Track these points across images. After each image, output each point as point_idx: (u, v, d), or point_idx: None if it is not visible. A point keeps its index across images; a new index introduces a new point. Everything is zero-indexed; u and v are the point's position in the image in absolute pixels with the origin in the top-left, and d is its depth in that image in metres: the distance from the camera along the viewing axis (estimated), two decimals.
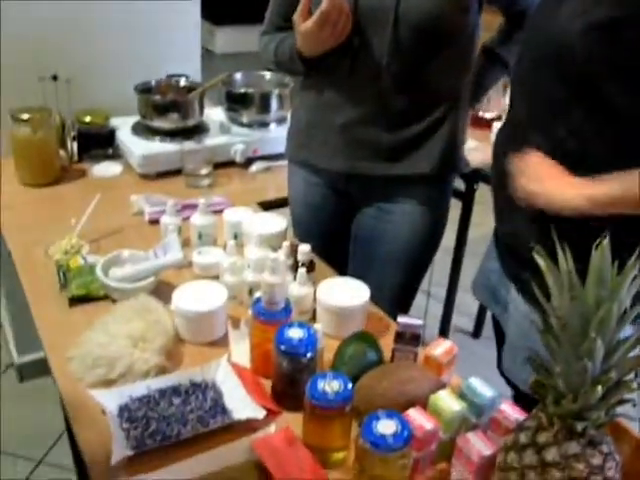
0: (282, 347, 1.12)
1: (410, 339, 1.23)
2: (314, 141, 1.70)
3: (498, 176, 1.33)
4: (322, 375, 1.05)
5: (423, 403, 1.07)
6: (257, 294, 1.35)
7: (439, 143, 1.60)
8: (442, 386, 1.12)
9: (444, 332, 2.98)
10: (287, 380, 1.15)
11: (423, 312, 2.88)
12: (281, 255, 1.41)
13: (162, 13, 2.29)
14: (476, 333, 3.13)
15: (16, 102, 1.97)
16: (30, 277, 1.55)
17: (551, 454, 0.85)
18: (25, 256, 1.63)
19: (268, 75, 2.32)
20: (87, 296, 1.44)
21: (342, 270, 1.67)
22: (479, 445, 0.97)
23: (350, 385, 1.03)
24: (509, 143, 1.31)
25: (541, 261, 0.88)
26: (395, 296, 1.74)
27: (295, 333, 1.13)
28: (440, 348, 1.19)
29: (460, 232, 2.74)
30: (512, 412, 1.04)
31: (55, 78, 2.07)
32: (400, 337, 1.23)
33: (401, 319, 1.23)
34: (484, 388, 1.08)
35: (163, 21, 2.31)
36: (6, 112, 1.93)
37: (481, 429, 1.06)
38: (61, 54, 2.15)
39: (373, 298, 1.41)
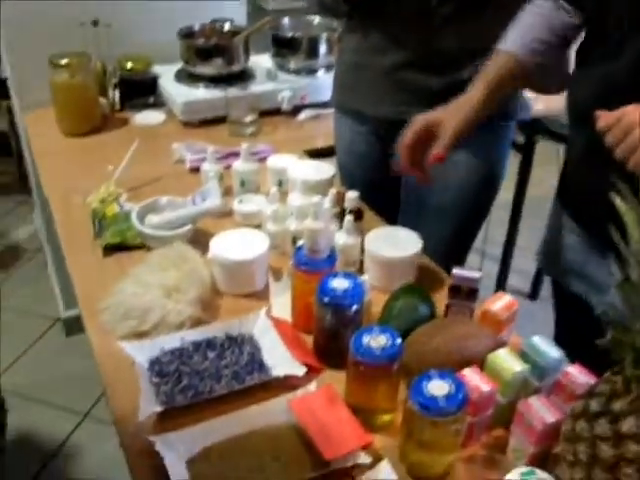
0: (325, 298, 1.02)
1: (466, 294, 1.12)
2: (360, 86, 1.59)
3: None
4: (368, 329, 0.95)
5: (480, 362, 0.96)
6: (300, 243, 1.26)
7: None
8: (501, 344, 1.01)
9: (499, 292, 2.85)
10: (330, 334, 1.06)
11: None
12: (326, 201, 1.31)
13: None
14: (533, 294, 3.00)
15: (57, 49, 1.90)
16: (66, 226, 1.49)
17: (628, 424, 0.74)
18: (63, 205, 1.57)
19: (316, 19, 2.19)
20: (122, 244, 1.37)
21: (391, 222, 1.56)
22: (542, 411, 0.86)
23: (399, 340, 0.93)
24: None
25: (618, 200, 0.76)
26: (447, 250, 1.63)
27: (339, 283, 1.03)
28: (499, 302, 1.08)
29: (519, 188, 2.59)
30: (579, 375, 0.92)
31: (95, 23, 1.99)
32: (455, 291, 1.13)
33: (457, 271, 1.12)
34: (548, 347, 0.97)
35: None
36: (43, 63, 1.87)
37: (544, 393, 0.95)
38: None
39: (425, 251, 1.31)
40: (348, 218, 1.26)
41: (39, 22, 2.02)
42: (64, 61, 1.83)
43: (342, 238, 1.27)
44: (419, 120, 1.25)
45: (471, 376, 0.91)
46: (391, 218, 1.62)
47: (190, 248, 1.28)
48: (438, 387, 0.85)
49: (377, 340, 0.92)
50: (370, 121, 1.62)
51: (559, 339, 1.48)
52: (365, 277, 1.14)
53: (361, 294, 1.03)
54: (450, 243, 1.64)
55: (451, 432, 0.85)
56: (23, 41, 2.04)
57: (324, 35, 2.11)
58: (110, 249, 1.37)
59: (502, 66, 1.24)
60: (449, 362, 0.96)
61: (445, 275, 1.32)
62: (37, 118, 2.01)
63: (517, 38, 1.23)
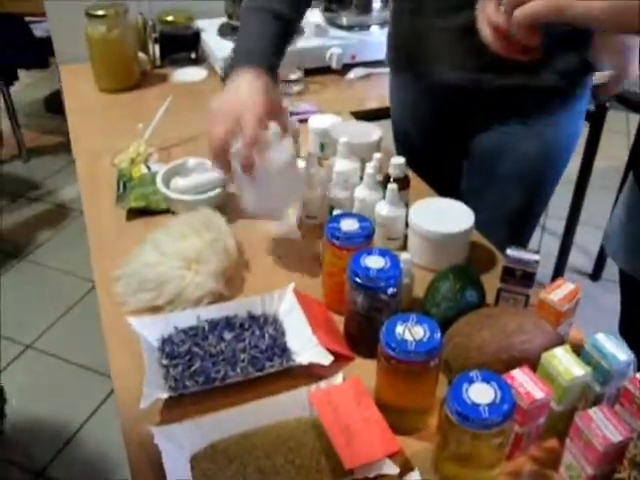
0: (357, 279, 0.89)
1: (521, 278, 0.98)
2: (422, 49, 1.43)
3: None
4: (403, 317, 0.82)
5: (533, 362, 0.82)
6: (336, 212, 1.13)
7: (570, 55, 1.30)
8: (559, 341, 0.87)
9: (559, 272, 2.67)
10: (362, 320, 0.93)
11: (537, 247, 2.59)
12: (369, 167, 1.17)
13: None
14: (595, 275, 2.80)
15: (96, 3, 1.80)
16: (90, 186, 1.40)
17: None
18: (90, 164, 1.48)
19: None
20: (147, 209, 1.27)
21: (449, 193, 1.43)
22: (605, 427, 0.72)
23: (438, 334, 0.80)
24: None
25: None
26: (514, 221, 1.49)
27: (374, 262, 0.90)
28: (560, 291, 0.93)
29: (586, 159, 2.39)
30: None
31: None
32: (508, 274, 0.98)
33: (511, 252, 0.98)
34: (615, 347, 0.82)
35: None
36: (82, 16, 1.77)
37: (607, 402, 0.81)
38: None
39: (486, 224, 1.17)
40: (391, 187, 1.12)
41: None
42: (100, 12, 1.72)
43: (384, 209, 1.13)
44: None
45: (521, 379, 0.77)
46: (449, 189, 1.48)
47: (217, 214, 1.17)
48: (481, 393, 0.71)
49: (413, 332, 0.79)
50: (437, 86, 1.46)
51: (625, 329, 1.34)
52: (407, 255, 1.01)
53: (398, 275, 0.90)
54: (518, 214, 1.50)
55: (494, 446, 0.72)
56: None
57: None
58: (134, 213, 1.27)
59: None
60: (496, 361, 0.82)
61: (501, 256, 1.17)
62: (74, 72, 1.92)
63: None
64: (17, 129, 3.56)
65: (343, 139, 1.25)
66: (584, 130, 1.80)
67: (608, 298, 1.47)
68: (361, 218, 1.01)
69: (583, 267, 2.83)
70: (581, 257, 2.84)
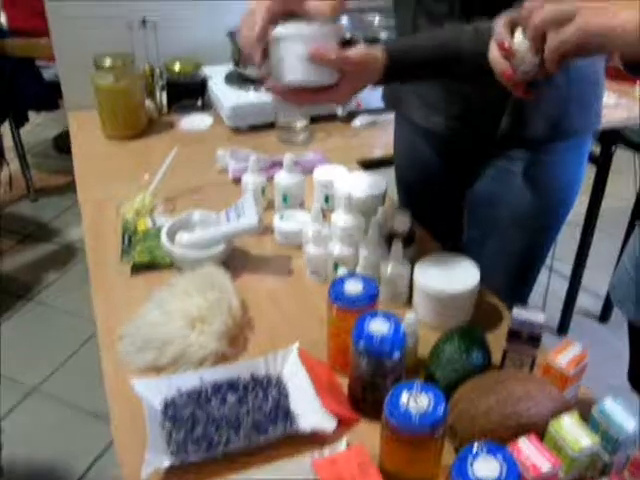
0: (361, 344, 0.89)
1: (527, 340, 0.97)
2: (409, 95, 1.44)
3: None
4: (408, 385, 0.81)
5: (540, 428, 0.81)
6: (341, 271, 1.13)
7: (556, 100, 1.29)
8: (567, 406, 0.86)
9: (567, 314, 2.66)
10: (366, 384, 0.92)
11: (544, 290, 2.57)
12: (373, 223, 1.17)
13: None
14: (604, 316, 2.78)
15: (105, 49, 1.83)
16: (95, 237, 1.40)
17: None
18: (95, 214, 1.48)
19: (377, 18, 2.06)
20: (151, 264, 1.27)
21: (450, 240, 1.42)
22: None
23: (443, 405, 0.78)
24: None
25: None
26: (517, 268, 1.48)
27: (378, 327, 0.90)
28: (566, 355, 0.92)
29: (592, 202, 2.39)
30: None
31: (144, 24, 1.91)
32: (514, 336, 0.97)
33: (517, 313, 0.97)
34: (623, 414, 0.81)
35: None
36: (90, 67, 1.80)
37: (615, 470, 0.80)
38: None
39: (490, 274, 1.17)
40: (396, 245, 1.12)
41: (87, 22, 1.95)
42: (108, 63, 1.75)
43: (389, 267, 1.13)
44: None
45: (528, 449, 0.76)
46: (452, 236, 1.48)
47: (221, 272, 1.16)
48: (486, 467, 0.70)
49: (417, 401, 0.78)
50: (423, 128, 1.47)
51: (634, 378, 1.32)
52: (412, 315, 1.00)
53: (402, 340, 0.89)
54: (521, 260, 1.49)
55: None
56: (71, 41, 1.97)
57: (384, 35, 1.98)
58: (139, 268, 1.27)
59: None
60: (503, 428, 0.81)
61: (506, 311, 1.17)
62: (82, 120, 1.93)
63: None
64: (26, 169, 3.59)
65: (347, 193, 1.25)
66: (590, 172, 1.80)
67: (617, 341, 1.45)
68: (365, 279, 1.01)
69: (592, 309, 2.81)
70: (589, 299, 2.82)
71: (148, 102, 1.92)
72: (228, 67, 1.99)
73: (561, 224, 1.49)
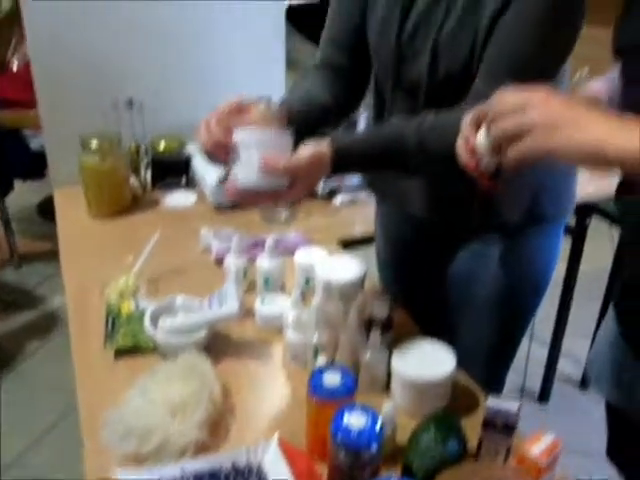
0: (339, 437, 0.91)
1: (502, 429, 0.99)
2: (383, 180, 1.50)
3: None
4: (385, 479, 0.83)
5: None
6: (321, 358, 1.16)
7: (527, 189, 1.35)
8: None
9: (548, 380, 2.68)
10: (344, 475, 0.94)
11: (525, 356, 2.60)
12: (352, 309, 1.20)
13: (241, 32, 2.16)
14: (584, 382, 2.80)
15: (91, 127, 1.88)
16: (78, 319, 1.42)
17: None
18: (79, 295, 1.50)
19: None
20: (135, 348, 1.29)
21: (432, 320, 1.45)
22: None
23: None
24: None
25: None
26: (495, 347, 1.51)
27: (356, 420, 0.92)
28: (539, 445, 0.95)
29: (569, 270, 2.44)
30: None
31: (130, 103, 1.96)
32: (489, 425, 1.00)
33: (492, 402, 0.99)
34: None
35: (243, 41, 2.18)
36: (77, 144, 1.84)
37: None
38: (136, 78, 2.05)
39: (468, 353, 1.20)
40: (374, 333, 1.15)
41: (75, 101, 2.02)
42: (94, 144, 1.79)
43: (367, 354, 1.16)
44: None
45: None
46: (431, 314, 1.51)
47: (202, 358, 1.19)
48: None
49: None
50: (403, 212, 1.52)
51: (612, 453, 1.34)
52: (389, 404, 1.02)
53: (380, 434, 0.92)
54: (496, 342, 1.52)
55: None
56: (59, 120, 2.03)
57: (364, 115, 2.04)
58: (122, 352, 1.29)
59: None
60: None
61: (482, 396, 1.19)
62: (67, 195, 1.97)
63: None
64: (10, 235, 3.60)
65: (326, 279, 1.29)
66: (567, 239, 1.85)
67: (594, 408, 1.47)
68: (344, 370, 1.03)
69: (573, 375, 2.84)
70: (570, 365, 2.85)
71: (133, 179, 1.97)
72: None
73: (537, 304, 1.53)
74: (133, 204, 1.92)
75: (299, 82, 1.44)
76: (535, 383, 2.68)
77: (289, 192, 1.13)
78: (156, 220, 1.83)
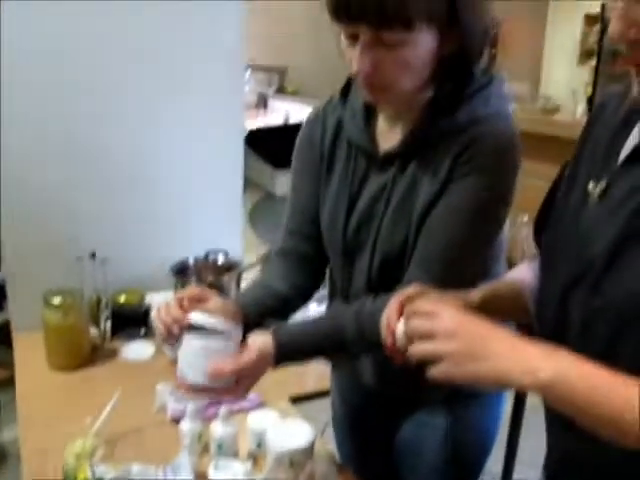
0: None
1: None
2: None
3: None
4: None
5: None
6: None
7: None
8: None
9: None
10: None
11: None
12: (302, 477, 1.27)
13: (202, 187, 2.30)
14: None
15: (54, 278, 1.96)
16: None
17: None
18: (35, 458, 1.54)
19: None
20: None
21: None
22: None
23: None
24: None
25: None
26: None
27: None
28: None
29: (515, 407, 2.53)
30: None
31: (93, 256, 2.06)
32: None
33: None
34: None
35: (203, 195, 2.32)
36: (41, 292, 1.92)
37: None
38: (98, 232, 2.16)
39: None
40: None
41: (38, 252, 2.11)
42: (57, 301, 1.87)
43: None
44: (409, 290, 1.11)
45: None
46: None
47: None
48: None
49: None
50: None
51: None
52: None
53: None
54: None
55: None
56: (21, 270, 2.10)
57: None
58: None
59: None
60: None
61: None
62: (27, 344, 2.00)
63: None
64: None
65: (277, 447, 1.36)
66: None
67: None
68: None
69: None
70: None
71: (93, 330, 2.03)
72: (170, 295, 2.13)
73: (484, 462, 1.59)
74: (92, 354, 1.98)
75: (261, 273, 1.56)
76: None
77: (235, 389, 1.24)
78: (115, 372, 1.89)
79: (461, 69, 1.25)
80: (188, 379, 1.22)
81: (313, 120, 1.47)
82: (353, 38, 1.18)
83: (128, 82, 2.14)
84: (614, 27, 0.82)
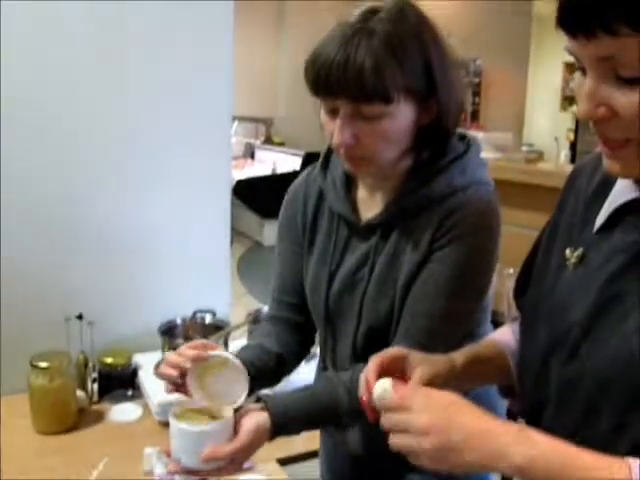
0: None
1: None
2: None
3: None
4: None
5: None
6: None
7: None
8: None
9: None
10: None
11: None
12: None
13: (189, 242, 2.32)
14: None
15: (40, 342, 1.95)
16: None
17: None
18: None
19: None
20: None
21: None
22: None
23: None
24: None
25: None
26: None
27: None
28: None
29: None
30: None
31: (80, 317, 2.06)
32: None
33: None
34: None
35: (191, 250, 2.33)
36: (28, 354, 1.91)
37: None
38: (85, 293, 2.16)
39: None
40: None
41: (24, 315, 2.10)
42: (44, 365, 1.86)
43: None
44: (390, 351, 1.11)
45: None
46: None
47: None
48: None
49: None
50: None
51: None
52: None
53: None
54: None
55: None
56: (7, 333, 2.10)
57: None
58: None
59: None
60: None
61: None
62: (13, 407, 1.97)
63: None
64: None
65: None
66: None
67: None
68: None
69: None
70: None
71: (79, 392, 2.02)
72: (158, 356, 2.12)
73: None
74: (79, 416, 1.96)
75: (252, 337, 1.58)
76: None
77: (230, 466, 1.24)
78: (102, 434, 1.87)
79: (438, 138, 1.29)
80: (181, 463, 1.22)
81: (295, 192, 1.51)
82: (333, 112, 1.21)
83: (111, 139, 2.16)
84: (582, 107, 0.84)
